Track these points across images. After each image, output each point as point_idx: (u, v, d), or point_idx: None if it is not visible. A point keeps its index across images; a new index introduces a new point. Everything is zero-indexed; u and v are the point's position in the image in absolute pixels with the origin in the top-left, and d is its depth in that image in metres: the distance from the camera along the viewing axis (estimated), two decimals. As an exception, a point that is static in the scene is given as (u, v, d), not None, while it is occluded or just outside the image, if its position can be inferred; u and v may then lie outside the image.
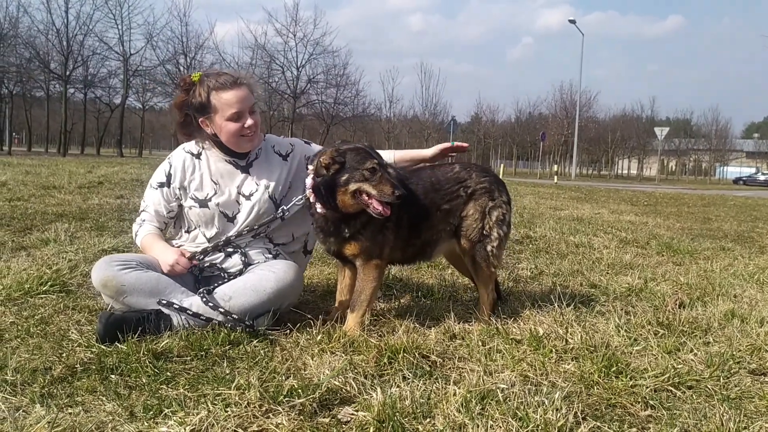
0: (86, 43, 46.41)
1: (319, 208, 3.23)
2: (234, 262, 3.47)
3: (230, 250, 3.48)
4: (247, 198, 3.50)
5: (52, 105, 54.10)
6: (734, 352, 3.10)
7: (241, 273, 3.42)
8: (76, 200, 8.30)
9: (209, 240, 3.49)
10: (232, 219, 3.50)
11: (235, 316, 3.09)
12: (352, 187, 3.11)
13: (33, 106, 59.02)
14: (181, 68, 47.79)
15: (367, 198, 3.12)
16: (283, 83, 48.98)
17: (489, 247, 3.50)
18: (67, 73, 45.49)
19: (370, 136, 69.97)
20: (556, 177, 40.19)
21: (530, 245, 6.83)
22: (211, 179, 3.51)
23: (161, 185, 3.53)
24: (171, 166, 3.55)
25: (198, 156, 3.56)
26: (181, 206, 3.55)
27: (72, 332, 3.05)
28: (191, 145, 3.59)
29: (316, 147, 3.76)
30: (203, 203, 3.47)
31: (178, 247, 3.50)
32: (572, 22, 55.04)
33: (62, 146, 48.35)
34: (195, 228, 3.55)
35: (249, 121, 3.39)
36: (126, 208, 7.82)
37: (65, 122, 48.57)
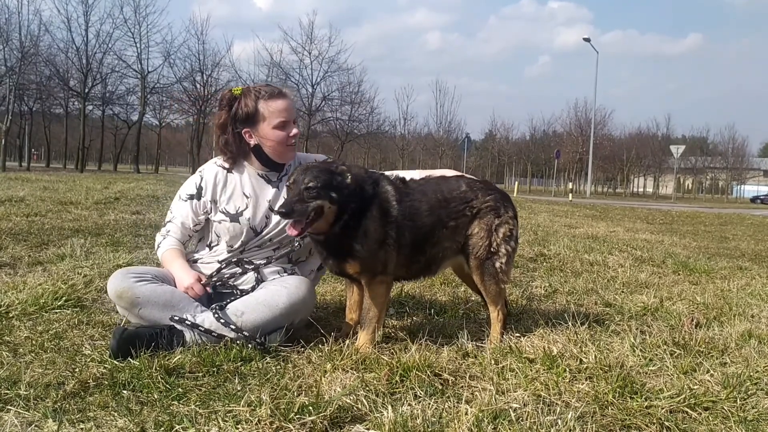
0: (105, 61, 47.31)
1: None
2: (247, 279, 3.49)
3: (248, 266, 3.50)
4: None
5: (70, 122, 54.92)
6: (751, 373, 3.04)
7: (253, 289, 3.41)
8: (92, 216, 8.38)
9: (232, 249, 3.51)
10: (259, 233, 3.53)
11: (246, 333, 3.09)
12: None
13: (52, 123, 60.06)
14: (198, 86, 48.46)
15: None
16: (298, 100, 49.35)
17: (498, 264, 3.46)
18: (86, 90, 46.23)
19: (384, 153, 70.40)
20: (570, 195, 40.00)
21: (544, 263, 6.79)
22: (242, 192, 3.53)
23: (191, 197, 3.55)
24: (202, 179, 3.57)
25: (230, 170, 3.59)
26: (208, 220, 3.57)
27: (85, 347, 3.07)
28: (223, 159, 3.61)
29: None
30: (234, 218, 3.49)
31: (196, 261, 3.54)
32: (587, 40, 54.99)
33: (80, 162, 49.01)
34: (218, 241, 3.57)
35: (294, 130, 3.48)
36: (141, 223, 7.87)
37: (83, 139, 49.28)
